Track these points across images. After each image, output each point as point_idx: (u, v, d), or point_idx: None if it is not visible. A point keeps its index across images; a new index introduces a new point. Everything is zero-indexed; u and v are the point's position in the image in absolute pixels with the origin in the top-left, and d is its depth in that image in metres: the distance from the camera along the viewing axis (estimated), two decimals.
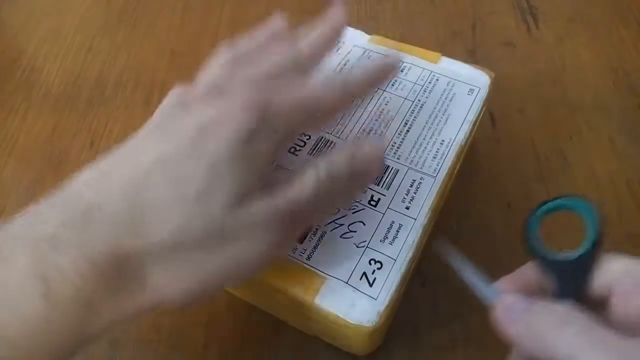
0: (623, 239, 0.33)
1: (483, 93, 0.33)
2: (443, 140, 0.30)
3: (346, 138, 0.30)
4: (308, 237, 0.27)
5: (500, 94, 0.41)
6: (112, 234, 0.21)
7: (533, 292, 0.22)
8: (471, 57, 0.44)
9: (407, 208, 0.28)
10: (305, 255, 0.26)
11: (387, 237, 0.27)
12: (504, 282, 0.23)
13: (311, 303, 0.25)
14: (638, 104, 0.40)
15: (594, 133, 0.39)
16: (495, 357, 0.29)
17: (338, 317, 0.25)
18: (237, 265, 0.22)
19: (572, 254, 0.22)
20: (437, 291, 0.31)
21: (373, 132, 0.30)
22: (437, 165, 0.29)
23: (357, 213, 0.27)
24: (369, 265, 0.26)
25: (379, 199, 0.28)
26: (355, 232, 0.27)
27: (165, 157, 0.22)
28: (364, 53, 0.34)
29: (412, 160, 0.29)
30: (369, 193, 0.28)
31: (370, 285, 0.25)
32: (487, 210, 0.35)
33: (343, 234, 0.27)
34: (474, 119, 0.31)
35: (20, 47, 0.46)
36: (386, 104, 0.32)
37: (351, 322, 0.24)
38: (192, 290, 0.22)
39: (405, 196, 0.28)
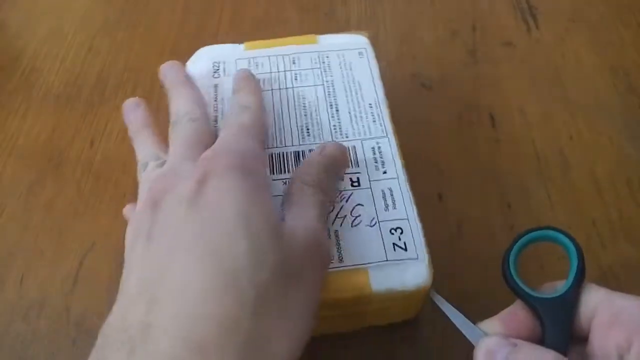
0: (623, 239, 0.33)
1: (370, 51, 0.34)
2: (370, 104, 0.32)
3: (292, 144, 0.30)
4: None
5: (500, 94, 0.41)
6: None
7: (522, 331, 0.22)
8: (471, 57, 0.44)
9: (385, 172, 0.29)
10: (336, 261, 0.26)
11: (387, 205, 0.27)
12: (491, 323, 0.22)
13: (370, 294, 0.25)
14: (638, 104, 0.40)
15: (594, 133, 0.39)
16: None
17: (398, 291, 0.25)
18: (316, 289, 0.22)
19: (555, 291, 0.22)
20: (437, 291, 0.31)
21: (310, 127, 0.31)
22: (381, 125, 0.31)
23: (350, 199, 0.28)
24: (391, 235, 0.26)
25: (358, 178, 0.29)
26: (359, 215, 0.27)
27: (205, 238, 0.21)
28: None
29: (359, 133, 0.30)
30: (347, 178, 0.29)
31: (405, 249, 0.26)
32: (487, 210, 0.35)
33: (352, 222, 0.27)
34: (379, 75, 0.33)
35: (20, 47, 0.46)
36: (303, 98, 0.32)
37: (411, 289, 0.25)
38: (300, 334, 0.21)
39: (376, 164, 0.29)
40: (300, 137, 0.30)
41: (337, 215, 0.27)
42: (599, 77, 0.42)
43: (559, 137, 0.38)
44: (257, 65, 0.33)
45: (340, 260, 0.26)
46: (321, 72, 0.33)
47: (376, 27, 0.46)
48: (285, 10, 0.48)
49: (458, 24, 0.46)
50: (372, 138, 0.30)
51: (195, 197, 0.21)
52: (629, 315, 0.20)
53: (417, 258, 0.26)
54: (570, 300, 0.21)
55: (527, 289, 0.22)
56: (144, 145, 0.28)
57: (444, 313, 0.24)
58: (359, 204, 0.28)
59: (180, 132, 0.27)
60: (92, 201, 0.36)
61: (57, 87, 0.42)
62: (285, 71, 0.33)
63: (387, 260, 0.26)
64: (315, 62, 0.34)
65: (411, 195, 0.28)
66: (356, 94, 0.32)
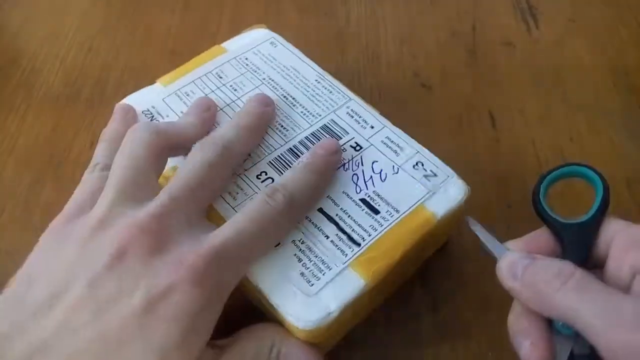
0: None
1: (279, 38, 0.36)
2: (316, 80, 0.33)
3: (278, 146, 0.30)
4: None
5: (500, 94, 0.41)
6: None
7: (544, 251, 0.23)
8: (471, 57, 0.44)
9: (372, 127, 0.31)
10: (394, 212, 0.27)
11: (395, 150, 0.30)
12: (515, 243, 0.24)
13: (436, 222, 0.27)
14: (638, 104, 0.40)
15: (594, 133, 0.39)
16: (497, 355, 0.29)
17: (452, 209, 0.28)
18: None
19: (580, 218, 0.23)
20: (437, 291, 0.31)
21: (283, 123, 0.31)
22: (339, 92, 0.32)
23: (363, 161, 0.29)
24: (416, 170, 0.29)
25: (356, 142, 0.30)
26: (381, 169, 0.29)
27: (107, 339, 0.20)
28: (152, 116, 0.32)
29: (327, 107, 0.32)
30: (348, 147, 0.30)
31: (435, 175, 0.29)
32: (487, 210, 0.35)
33: (380, 178, 0.28)
34: (301, 54, 0.35)
35: (20, 47, 0.46)
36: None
37: (459, 202, 0.28)
38: None
39: (360, 124, 0.31)
40: (282, 136, 0.30)
41: (365, 179, 0.28)
42: (599, 77, 0.42)
43: (559, 137, 0.38)
44: (187, 95, 0.32)
45: (397, 210, 0.27)
46: (251, 73, 0.33)
47: (376, 27, 0.46)
48: (285, 10, 0.48)
49: (458, 24, 0.46)
50: (340, 106, 0.32)
51: (153, 306, 0.21)
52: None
53: (449, 177, 0.29)
54: (591, 227, 0.23)
55: (552, 214, 0.24)
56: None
57: (475, 234, 0.25)
58: (374, 161, 0.29)
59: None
60: None
61: (57, 87, 0.42)
62: (219, 88, 0.33)
63: (430, 192, 0.28)
64: (240, 68, 0.34)
65: (405, 134, 0.30)
66: (297, 77, 0.33)
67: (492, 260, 0.24)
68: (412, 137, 0.31)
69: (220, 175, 0.26)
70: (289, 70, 0.33)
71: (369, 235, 0.26)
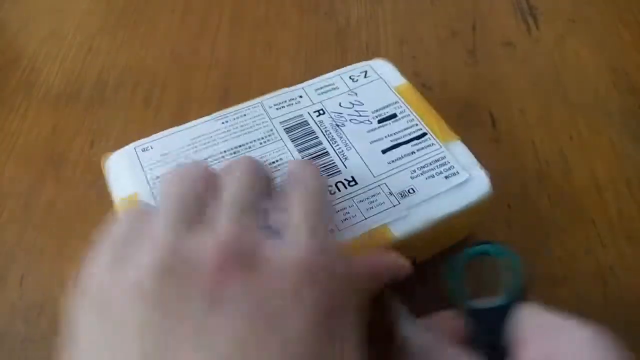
0: (623, 239, 0.33)
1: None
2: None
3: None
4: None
5: (500, 94, 0.41)
6: None
7: (453, 336, 0.22)
8: (471, 57, 0.44)
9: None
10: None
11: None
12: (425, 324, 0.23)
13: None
14: (638, 104, 0.40)
15: (594, 133, 0.39)
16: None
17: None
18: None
19: (492, 302, 0.22)
20: (437, 291, 0.31)
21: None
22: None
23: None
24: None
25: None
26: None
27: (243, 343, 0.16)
28: None
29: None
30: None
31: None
32: (487, 210, 0.35)
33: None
34: None
35: (20, 47, 0.46)
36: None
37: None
38: None
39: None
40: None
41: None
42: (599, 77, 0.42)
43: (559, 137, 0.38)
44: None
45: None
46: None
47: (376, 27, 0.46)
48: (285, 10, 0.48)
49: (458, 24, 0.46)
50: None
51: (276, 320, 0.17)
52: (543, 333, 0.20)
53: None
54: (505, 313, 0.21)
55: (465, 298, 0.23)
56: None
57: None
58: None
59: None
60: (92, 201, 0.36)
61: (57, 87, 0.42)
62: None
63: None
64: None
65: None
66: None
67: (492, 262, 0.24)
68: None
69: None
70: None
71: None
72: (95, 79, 0.43)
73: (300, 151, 0.30)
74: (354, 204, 0.27)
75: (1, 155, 0.38)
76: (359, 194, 0.28)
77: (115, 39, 0.46)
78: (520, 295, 0.22)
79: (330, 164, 0.29)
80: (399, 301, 0.24)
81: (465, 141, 0.31)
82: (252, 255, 0.18)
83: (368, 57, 0.36)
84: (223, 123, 0.31)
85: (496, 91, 0.41)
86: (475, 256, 0.24)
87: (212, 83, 0.42)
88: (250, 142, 0.30)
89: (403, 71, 0.35)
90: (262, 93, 0.33)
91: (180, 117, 0.41)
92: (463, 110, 0.40)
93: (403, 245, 0.27)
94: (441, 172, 0.29)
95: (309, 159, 0.29)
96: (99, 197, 0.36)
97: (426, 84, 0.42)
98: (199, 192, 0.20)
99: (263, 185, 0.22)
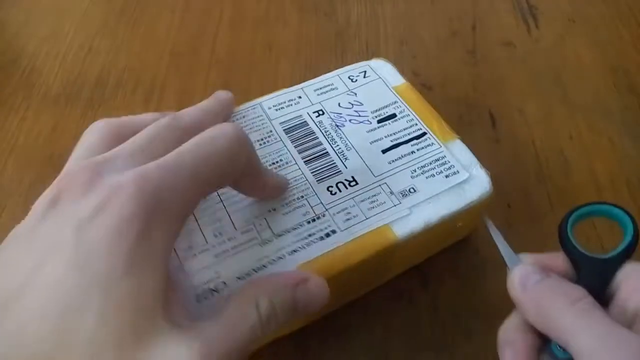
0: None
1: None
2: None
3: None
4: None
5: (500, 94, 0.41)
6: None
7: (558, 274, 0.23)
8: (471, 57, 0.44)
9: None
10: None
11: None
12: (534, 256, 0.24)
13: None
14: (638, 104, 0.40)
15: (594, 133, 0.39)
16: (496, 358, 0.29)
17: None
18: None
19: (604, 254, 0.23)
20: (437, 291, 0.31)
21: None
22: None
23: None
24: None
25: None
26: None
27: (49, 287, 0.18)
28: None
29: None
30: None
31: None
32: (487, 210, 0.35)
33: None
34: None
35: (20, 47, 0.46)
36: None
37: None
38: None
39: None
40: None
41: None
42: (599, 77, 0.42)
43: (559, 137, 0.38)
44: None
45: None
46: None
47: (376, 27, 0.46)
48: (285, 10, 0.48)
49: (458, 24, 0.46)
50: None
51: (83, 229, 0.19)
52: None
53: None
54: (612, 266, 0.22)
55: (577, 245, 0.23)
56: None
57: (491, 237, 0.25)
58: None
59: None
60: None
61: (57, 87, 0.42)
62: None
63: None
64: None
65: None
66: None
67: (493, 263, 0.24)
68: None
69: (171, 137, 0.24)
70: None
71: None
72: (95, 79, 0.43)
73: (300, 152, 0.30)
74: (355, 204, 0.27)
75: (1, 155, 0.38)
76: (360, 194, 0.28)
77: (115, 39, 0.46)
78: (629, 253, 0.23)
79: (330, 165, 0.29)
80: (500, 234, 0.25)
81: (465, 141, 0.31)
82: (86, 184, 0.20)
83: (368, 57, 0.36)
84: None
85: (496, 91, 0.41)
86: (589, 215, 0.25)
87: (212, 83, 0.42)
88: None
89: (403, 71, 0.35)
90: (262, 93, 0.33)
91: None
92: (463, 110, 0.40)
93: (404, 245, 0.27)
94: (441, 172, 0.29)
95: (309, 159, 0.29)
96: None
97: (426, 84, 0.42)
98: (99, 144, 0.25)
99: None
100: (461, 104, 0.40)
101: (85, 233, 0.19)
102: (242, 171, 0.23)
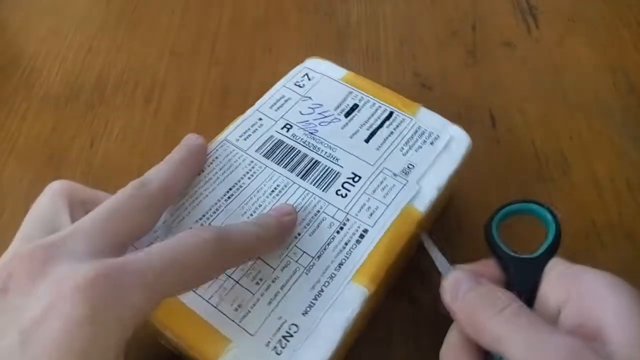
0: (623, 239, 0.33)
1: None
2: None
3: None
4: None
5: (500, 94, 0.41)
6: None
7: (490, 281, 0.23)
8: (471, 57, 0.44)
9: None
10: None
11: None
12: (466, 266, 0.24)
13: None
14: (638, 104, 0.40)
15: (594, 133, 0.39)
16: None
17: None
18: None
19: (529, 254, 0.24)
20: (437, 291, 0.31)
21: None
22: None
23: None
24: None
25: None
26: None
27: None
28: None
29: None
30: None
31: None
32: (488, 210, 0.35)
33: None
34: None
35: (20, 47, 0.46)
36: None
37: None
38: None
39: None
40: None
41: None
42: (599, 77, 0.42)
43: (559, 137, 0.38)
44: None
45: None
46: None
47: (376, 27, 0.46)
48: (285, 10, 0.48)
49: (458, 24, 0.46)
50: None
51: (30, 335, 0.17)
52: (568, 277, 0.22)
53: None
54: (538, 265, 0.23)
55: (503, 247, 0.24)
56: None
57: (427, 251, 0.26)
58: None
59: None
60: None
61: (57, 87, 0.42)
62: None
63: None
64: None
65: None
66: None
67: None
68: None
69: (138, 207, 0.23)
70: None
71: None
72: (95, 79, 0.43)
73: (291, 170, 0.29)
74: (370, 197, 0.28)
75: (1, 155, 0.38)
76: (368, 185, 0.28)
77: (115, 39, 0.46)
78: (552, 251, 0.24)
79: (326, 170, 0.29)
80: (434, 243, 0.26)
81: None
82: (32, 276, 0.19)
83: (368, 57, 0.36)
84: (200, 174, 0.29)
85: (496, 91, 0.41)
86: (514, 213, 0.26)
87: (212, 83, 0.42)
88: (239, 180, 0.28)
89: (403, 71, 0.35)
90: (262, 93, 0.33)
91: (180, 117, 0.41)
92: (463, 110, 0.40)
93: (427, 218, 0.28)
94: (425, 141, 0.30)
95: (304, 173, 0.29)
96: None
97: (426, 84, 0.42)
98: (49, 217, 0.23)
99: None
100: (461, 104, 0.40)
101: (33, 338, 0.17)
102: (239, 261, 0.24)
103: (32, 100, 0.42)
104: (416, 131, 0.31)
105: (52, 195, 0.23)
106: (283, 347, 0.23)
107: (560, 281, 0.22)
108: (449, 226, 0.34)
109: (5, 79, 0.43)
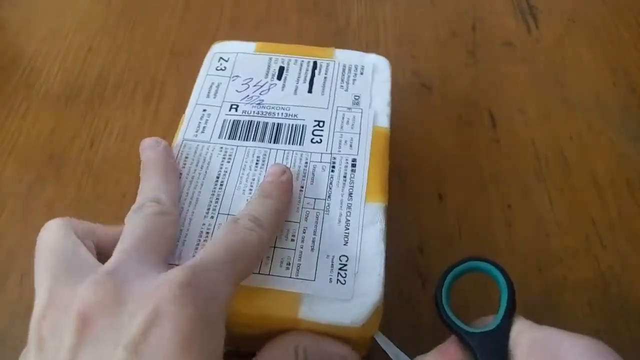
0: (623, 239, 0.33)
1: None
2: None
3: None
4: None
5: (500, 94, 0.41)
6: None
7: None
8: (471, 57, 0.44)
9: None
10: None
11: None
12: (427, 357, 0.23)
13: None
14: (638, 104, 0.40)
15: (594, 133, 0.39)
16: None
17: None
18: None
19: (487, 326, 0.22)
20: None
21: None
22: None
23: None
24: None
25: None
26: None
27: None
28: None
29: None
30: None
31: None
32: (487, 210, 0.35)
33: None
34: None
35: (20, 47, 0.46)
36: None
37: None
38: None
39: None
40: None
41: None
42: (599, 77, 0.42)
43: (559, 137, 0.38)
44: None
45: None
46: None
47: (376, 27, 0.46)
48: (285, 10, 0.48)
49: (458, 24, 0.46)
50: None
51: (139, 346, 0.18)
52: (543, 346, 0.21)
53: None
54: (501, 334, 0.22)
55: (460, 324, 0.23)
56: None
57: (384, 351, 0.24)
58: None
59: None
60: (92, 201, 0.36)
61: (57, 87, 0.42)
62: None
63: None
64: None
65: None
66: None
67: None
68: (412, 136, 0.31)
69: (164, 224, 0.24)
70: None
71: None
72: (95, 79, 0.43)
73: (260, 141, 0.30)
74: (342, 133, 0.30)
75: (1, 155, 0.38)
76: (334, 125, 0.31)
77: (115, 39, 0.46)
78: (511, 313, 0.22)
79: (292, 128, 0.30)
80: (392, 344, 0.25)
81: (465, 141, 0.31)
82: (114, 299, 0.19)
83: None
84: (180, 177, 0.29)
85: (496, 91, 0.41)
86: (461, 274, 0.24)
87: None
88: (220, 167, 0.29)
89: (403, 71, 0.35)
90: None
91: (180, 117, 0.41)
92: (463, 110, 0.40)
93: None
94: (355, 74, 0.33)
95: (276, 138, 0.30)
96: (98, 197, 0.36)
97: (426, 84, 0.42)
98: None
99: None
100: (461, 104, 0.40)
101: (141, 348, 0.17)
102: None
103: (32, 100, 0.42)
104: (343, 69, 0.33)
105: (65, 232, 0.23)
106: (344, 277, 0.25)
107: (535, 353, 0.21)
108: (449, 230, 0.34)
109: (5, 79, 0.43)
